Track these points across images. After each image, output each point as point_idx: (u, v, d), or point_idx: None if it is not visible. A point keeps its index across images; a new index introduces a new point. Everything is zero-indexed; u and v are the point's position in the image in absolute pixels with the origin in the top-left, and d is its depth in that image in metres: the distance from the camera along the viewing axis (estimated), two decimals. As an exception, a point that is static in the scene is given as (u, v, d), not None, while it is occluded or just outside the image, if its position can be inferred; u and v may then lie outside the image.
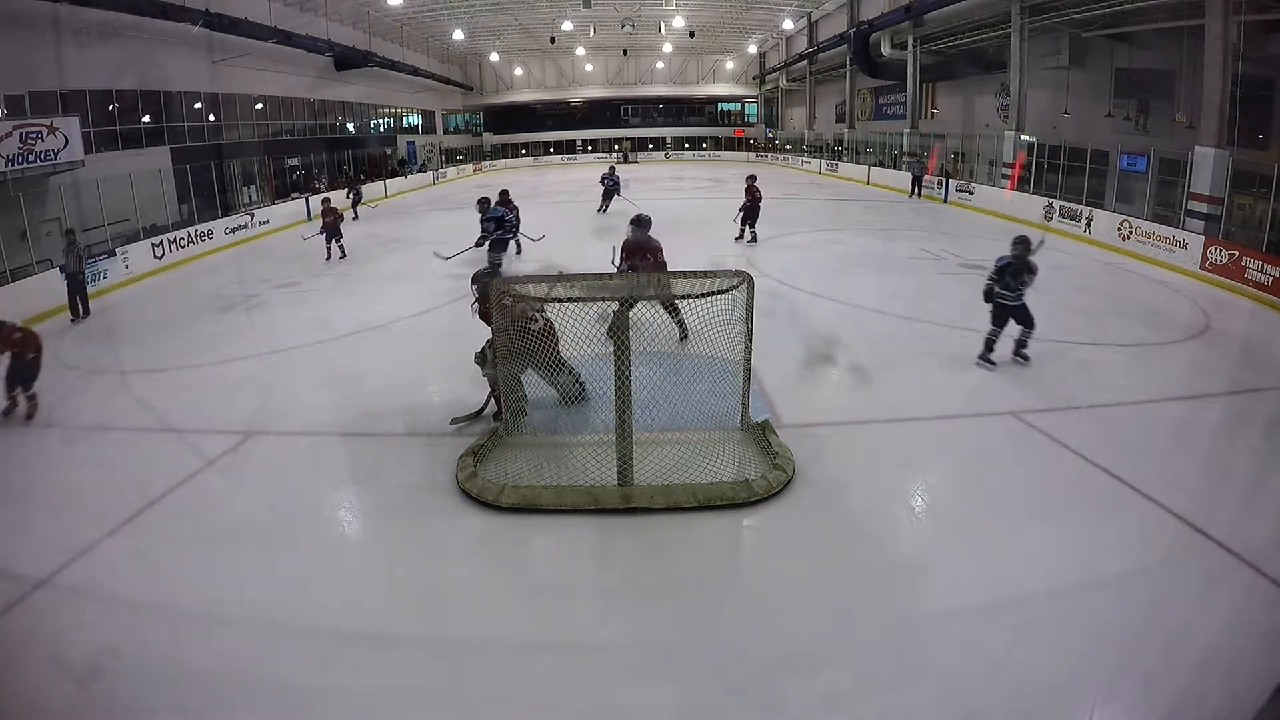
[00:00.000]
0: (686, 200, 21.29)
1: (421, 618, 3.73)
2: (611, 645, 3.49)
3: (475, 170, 37.04)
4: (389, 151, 31.22)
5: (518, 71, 41.25)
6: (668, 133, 42.93)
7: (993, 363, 6.77)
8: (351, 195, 19.78)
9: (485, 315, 5.49)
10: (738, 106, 43.60)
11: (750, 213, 13.58)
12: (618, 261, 7.31)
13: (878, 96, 28.16)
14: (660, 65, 41.42)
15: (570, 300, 4.72)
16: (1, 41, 12.96)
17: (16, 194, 11.67)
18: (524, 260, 12.11)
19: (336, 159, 26.00)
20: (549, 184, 28.50)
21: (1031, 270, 6.59)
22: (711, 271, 4.85)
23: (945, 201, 19.94)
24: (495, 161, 40.72)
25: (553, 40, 34.94)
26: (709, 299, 4.74)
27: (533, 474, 4.85)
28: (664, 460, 4.83)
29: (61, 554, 4.15)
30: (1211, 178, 11.98)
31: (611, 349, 4.51)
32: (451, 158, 36.96)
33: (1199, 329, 8.35)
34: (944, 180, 20.31)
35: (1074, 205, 14.57)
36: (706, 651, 3.42)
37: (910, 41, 23.29)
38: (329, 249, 13.37)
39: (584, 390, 5.43)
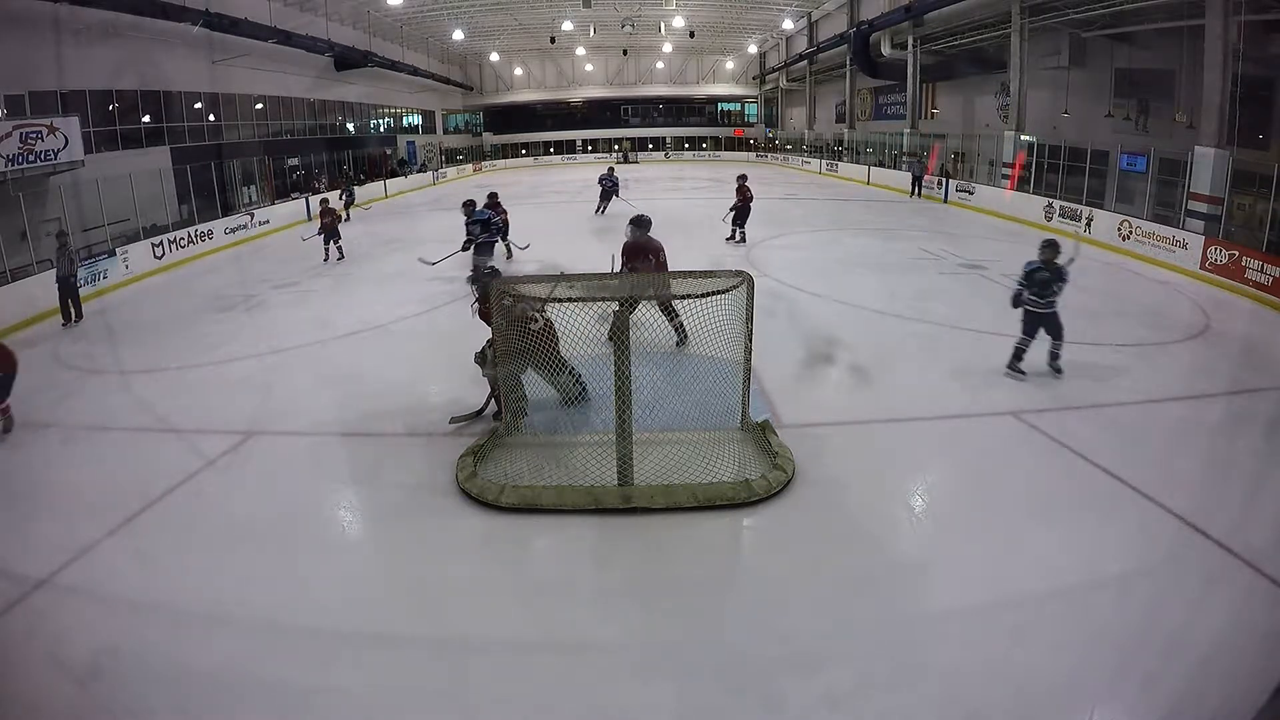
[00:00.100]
0: (687, 200, 21.30)
1: (421, 618, 3.73)
2: (611, 645, 3.49)
3: (475, 170, 37.05)
4: (389, 151, 31.23)
5: (518, 71, 41.26)
6: (668, 133, 42.94)
7: (1023, 372, 6.44)
8: (344, 196, 19.51)
9: (485, 315, 5.49)
10: (738, 106, 43.61)
11: (741, 213, 13.55)
12: (617, 268, 7.26)
13: (878, 96, 28.17)
14: (660, 65, 41.43)
15: (570, 300, 4.73)
16: (1, 41, 12.97)
17: (16, 194, 11.67)
18: (519, 263, 12.04)
19: (336, 159, 26.00)
20: (549, 184, 28.52)
21: (1061, 277, 6.28)
22: (711, 271, 4.85)
23: (945, 201, 19.94)
24: (495, 161, 40.73)
25: (553, 40, 34.95)
26: (709, 299, 4.74)
27: (533, 474, 4.85)
28: (664, 460, 4.83)
29: (61, 554, 4.15)
30: (1211, 178, 11.98)
31: (611, 349, 4.51)
32: (451, 158, 36.97)
33: (1199, 329, 8.35)
34: (944, 180, 20.32)
35: (1074, 205, 14.57)
36: (706, 651, 3.42)
37: (910, 41, 23.29)
38: (327, 250, 13.31)
39: (585, 391, 5.44)
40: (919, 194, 21.15)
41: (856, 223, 16.88)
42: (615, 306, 4.53)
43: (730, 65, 42.16)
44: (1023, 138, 18.02)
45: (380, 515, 4.77)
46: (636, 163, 39.05)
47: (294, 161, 23.61)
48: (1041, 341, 6.51)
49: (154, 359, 7.98)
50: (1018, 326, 6.66)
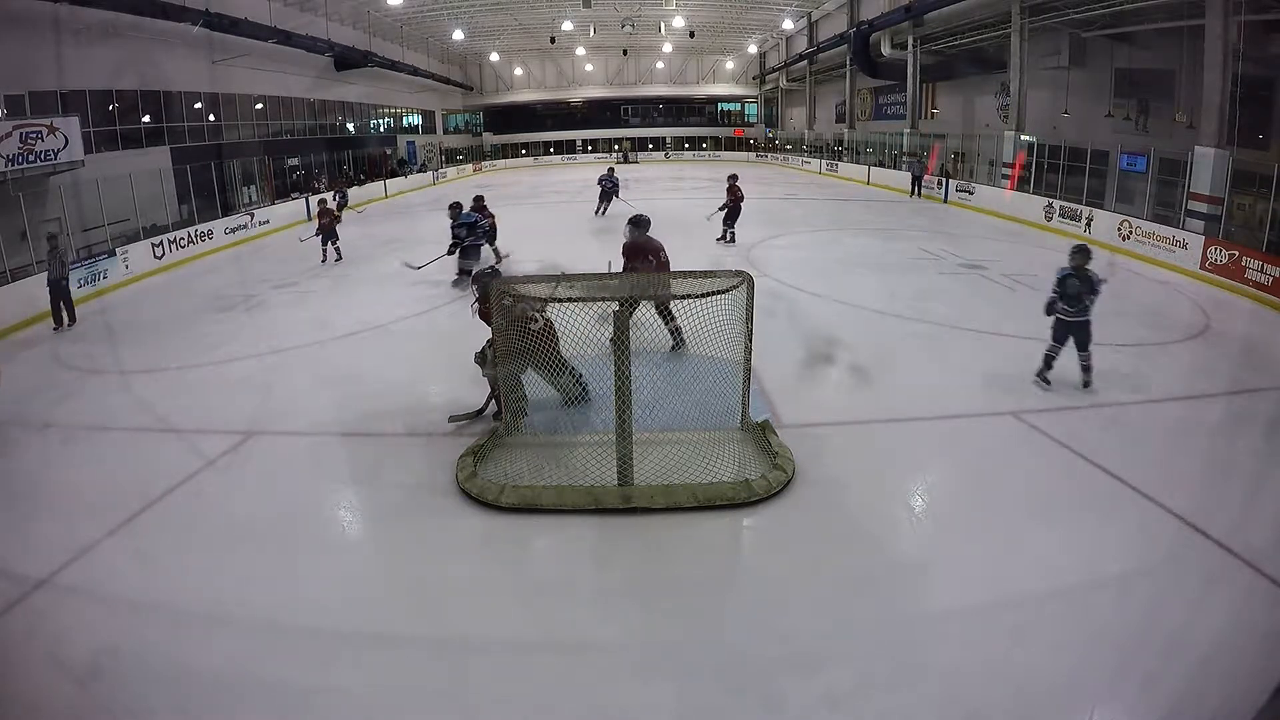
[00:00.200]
0: (686, 200, 21.27)
1: (421, 618, 3.73)
2: (611, 645, 3.49)
3: (475, 170, 37.06)
4: (389, 151, 31.23)
5: (518, 71, 41.26)
6: (668, 133, 42.95)
7: (1048, 382, 6.25)
8: (338, 198, 18.97)
9: (485, 315, 5.49)
10: (738, 106, 43.61)
11: (732, 213, 13.53)
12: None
13: (878, 96, 28.17)
14: (660, 65, 41.44)
15: (570, 300, 4.73)
16: (1, 41, 12.97)
17: (16, 194, 11.67)
18: (517, 264, 11.99)
19: (336, 159, 26.01)
20: (549, 184, 28.53)
21: (1093, 287, 6.03)
22: (711, 271, 4.86)
23: (945, 201, 19.95)
24: (495, 161, 40.74)
25: (553, 40, 34.96)
26: (709, 299, 4.74)
27: (533, 474, 4.85)
28: (664, 460, 4.83)
29: (61, 554, 4.15)
30: (1211, 178, 11.98)
31: (612, 349, 4.50)
32: (451, 158, 36.98)
33: (1199, 329, 8.35)
34: (944, 180, 20.32)
35: (1074, 205, 14.57)
36: (706, 651, 3.42)
37: (910, 41, 23.30)
38: (325, 251, 13.20)
39: (586, 391, 5.44)
40: (919, 194, 21.16)
41: (856, 223, 16.89)
42: (615, 307, 4.53)
43: (730, 65, 42.17)
44: (1023, 138, 18.02)
45: (380, 515, 4.77)
46: (636, 163, 39.05)
47: (294, 161, 23.62)
48: (1072, 349, 6.26)
49: (154, 359, 7.98)
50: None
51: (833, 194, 23.14)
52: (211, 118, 19.73)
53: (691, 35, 33.87)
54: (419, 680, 3.28)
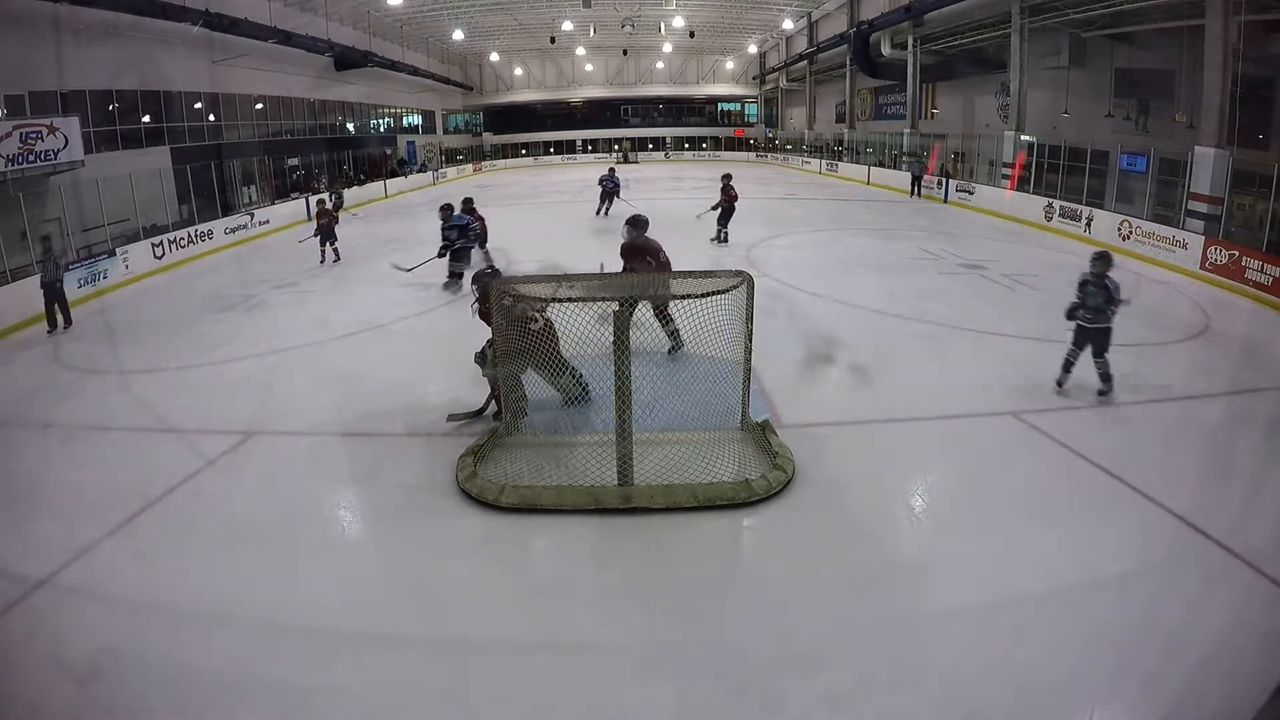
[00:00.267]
0: (687, 201, 21.26)
1: (421, 618, 3.73)
2: (611, 645, 3.49)
3: (475, 170, 37.07)
4: (389, 151, 31.23)
5: (518, 71, 41.26)
6: (668, 133, 42.95)
7: (1060, 385, 6.17)
8: (333, 199, 18.10)
9: (485, 315, 5.49)
10: (738, 106, 43.61)
11: (726, 212, 13.53)
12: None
13: (878, 96, 28.17)
14: (660, 65, 41.44)
15: (570, 300, 4.73)
16: (1, 41, 12.97)
17: (16, 194, 11.67)
18: (511, 266, 11.98)
19: (336, 159, 26.00)
20: (549, 184, 28.54)
21: (1111, 297, 5.86)
22: (711, 271, 4.86)
23: (945, 201, 19.95)
24: (495, 161, 40.74)
25: (553, 40, 34.95)
26: (709, 299, 4.74)
27: (533, 474, 4.85)
28: (664, 460, 4.83)
29: (61, 554, 4.15)
30: (1211, 178, 11.98)
31: (611, 349, 4.50)
32: (451, 158, 36.97)
33: (1199, 329, 8.35)
34: (944, 180, 20.32)
35: (1074, 205, 14.57)
36: (706, 651, 3.42)
37: (910, 41, 23.30)
38: (323, 252, 13.08)
39: (587, 391, 5.43)
40: (919, 194, 21.16)
41: (856, 223, 16.89)
42: (615, 307, 4.52)
43: (730, 65, 42.17)
44: (1023, 138, 18.02)
45: (380, 515, 4.77)
46: (636, 163, 39.05)
47: (294, 161, 23.62)
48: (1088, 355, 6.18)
49: (154, 359, 7.98)
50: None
51: (833, 194, 23.14)
52: (211, 118, 19.73)
53: (691, 35, 33.87)
54: (419, 680, 3.28)
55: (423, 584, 4.02)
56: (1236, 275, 10.18)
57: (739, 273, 4.77)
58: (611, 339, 4.46)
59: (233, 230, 16.30)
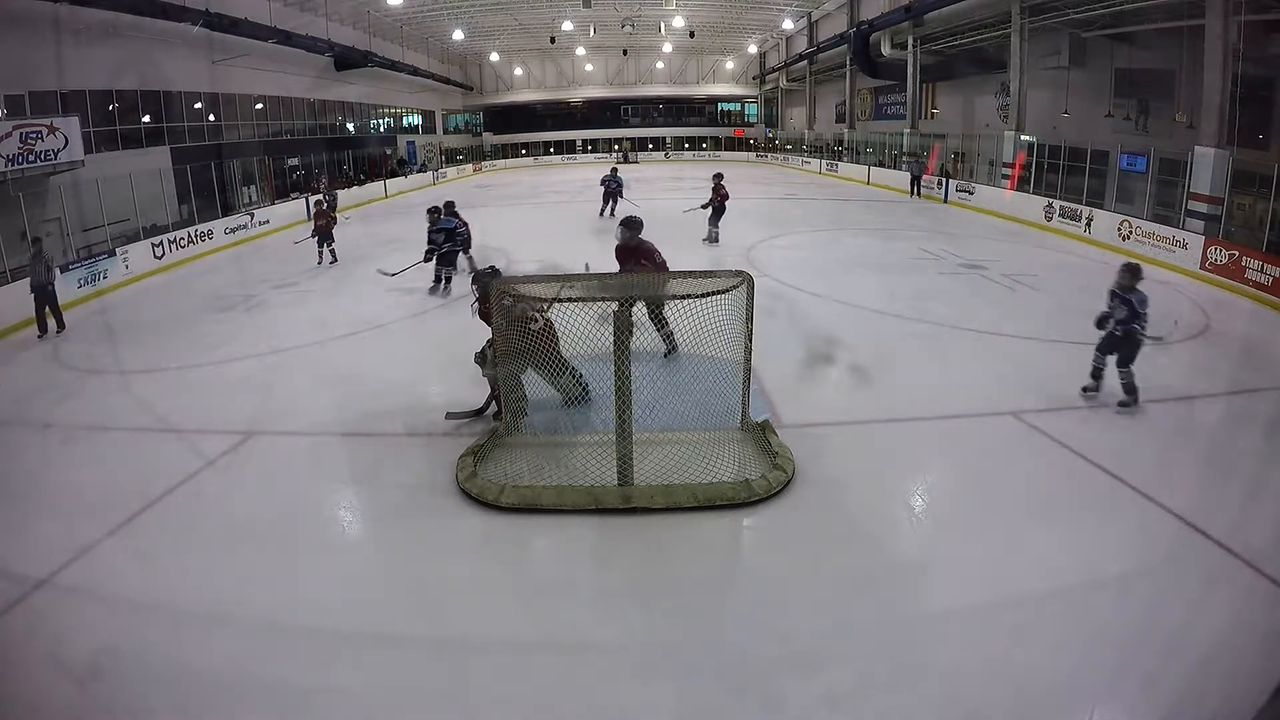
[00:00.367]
0: (686, 201, 21.27)
1: (421, 618, 3.73)
2: (611, 645, 3.49)
3: (475, 170, 37.06)
4: (389, 151, 31.22)
5: (518, 71, 41.26)
6: (668, 133, 42.94)
7: (1084, 391, 6.05)
8: (326, 200, 16.98)
9: (485, 315, 5.49)
10: (738, 106, 43.60)
11: (717, 211, 13.53)
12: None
13: (878, 96, 28.17)
14: (660, 65, 41.43)
15: (571, 300, 4.73)
16: (1, 41, 12.97)
17: (16, 194, 11.67)
18: (520, 264, 11.94)
19: (336, 159, 26.00)
20: (549, 184, 28.53)
21: (1134, 311, 5.61)
22: (711, 271, 4.86)
23: (945, 201, 19.95)
24: (495, 161, 40.73)
25: (553, 40, 34.95)
26: (709, 299, 4.74)
27: (533, 474, 4.85)
28: (664, 460, 4.83)
29: (61, 554, 4.15)
30: (1211, 178, 11.98)
31: (611, 349, 4.50)
32: (451, 158, 36.97)
33: (1199, 329, 8.35)
34: (944, 180, 20.32)
35: (1074, 205, 14.57)
36: (706, 651, 3.42)
37: (910, 41, 23.29)
38: (321, 253, 12.97)
39: (587, 391, 5.43)
40: (919, 194, 21.16)
41: (856, 223, 16.88)
42: (615, 307, 4.52)
43: (730, 65, 42.16)
44: (1023, 138, 18.02)
45: (380, 515, 4.77)
46: (636, 163, 39.03)
47: (294, 161, 23.61)
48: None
49: (154, 359, 7.98)
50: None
51: (833, 194, 23.13)
52: (211, 118, 19.73)
53: (691, 35, 33.87)
54: (419, 680, 3.28)
55: (423, 584, 4.02)
56: (1236, 275, 10.18)
57: (739, 273, 4.77)
58: (611, 339, 4.46)
59: (233, 230, 16.29)
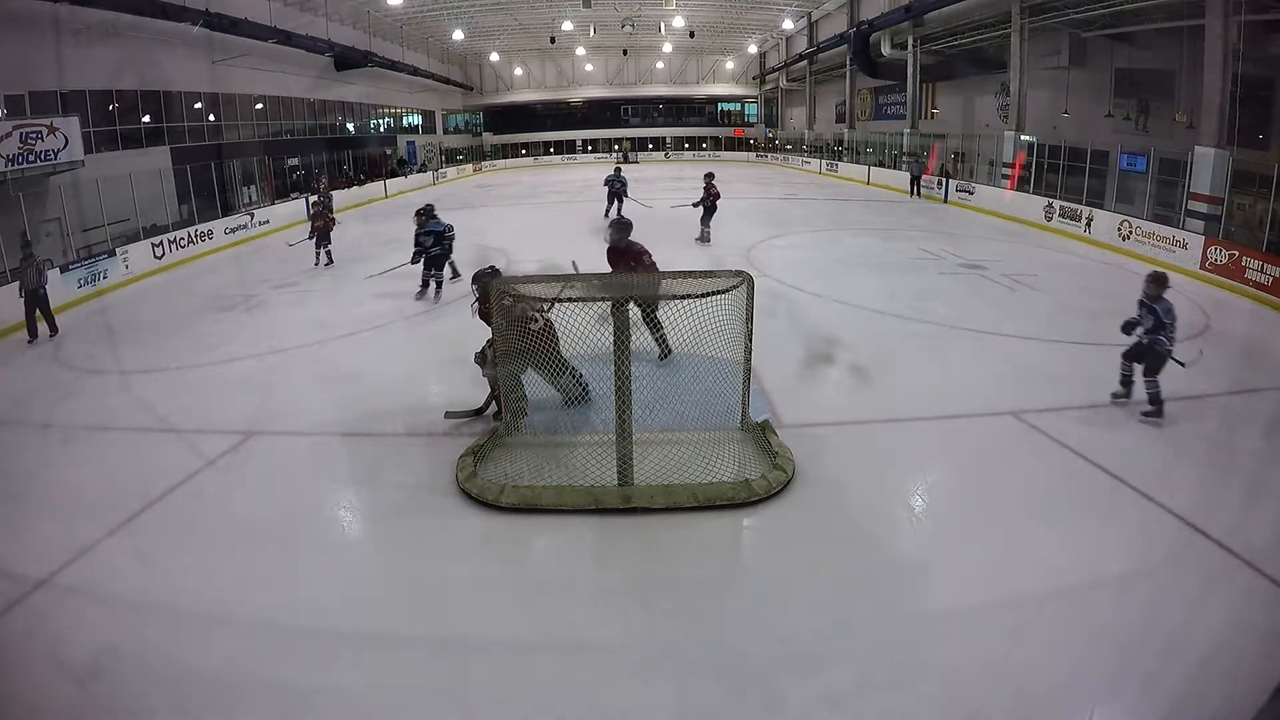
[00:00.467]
0: (687, 200, 21.30)
1: (421, 618, 3.73)
2: (611, 645, 3.49)
3: (475, 170, 37.05)
4: (389, 151, 31.22)
5: (518, 71, 41.25)
6: (668, 133, 42.93)
7: (1115, 396, 5.99)
8: (321, 203, 16.28)
9: (485, 315, 5.49)
10: (738, 106, 43.59)
11: (709, 211, 13.53)
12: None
13: (878, 96, 28.17)
14: (660, 65, 41.42)
15: (571, 301, 4.72)
16: (1, 41, 12.96)
17: (16, 194, 11.67)
18: (520, 264, 11.91)
19: (336, 159, 25.99)
20: (549, 184, 28.52)
21: (1159, 321, 5.55)
22: (711, 271, 4.85)
23: (945, 201, 19.95)
24: (495, 161, 40.72)
25: (553, 40, 34.94)
26: (709, 299, 4.74)
27: (533, 474, 4.85)
28: (664, 460, 4.83)
29: (61, 554, 4.15)
30: (1211, 178, 11.98)
31: (611, 349, 4.51)
32: (451, 158, 36.96)
33: (1199, 329, 8.35)
34: (944, 180, 20.32)
35: (1074, 205, 14.57)
36: (706, 651, 3.42)
37: (910, 41, 23.29)
38: (318, 254, 12.85)
39: (588, 391, 5.43)
40: (918, 194, 21.16)
41: (856, 223, 16.88)
42: (612, 306, 4.52)
43: (730, 65, 42.15)
44: (1023, 138, 18.02)
45: (380, 515, 4.77)
46: (636, 163, 39.00)
47: (294, 161, 23.61)
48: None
49: (154, 359, 7.98)
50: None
51: (833, 194, 23.13)
52: (211, 118, 19.72)
53: (691, 35, 33.86)
54: (419, 680, 3.28)
55: (423, 584, 4.02)
56: (1236, 275, 10.18)
57: (739, 273, 4.77)
58: (611, 339, 4.46)
59: (233, 230, 16.29)
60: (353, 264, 12.96)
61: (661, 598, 3.82)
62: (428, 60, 34.64)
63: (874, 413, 6.02)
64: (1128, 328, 5.86)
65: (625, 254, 6.86)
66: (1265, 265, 9.69)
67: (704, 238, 13.49)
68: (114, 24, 15.43)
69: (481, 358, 5.66)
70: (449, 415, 5.79)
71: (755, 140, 40.83)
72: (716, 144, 42.18)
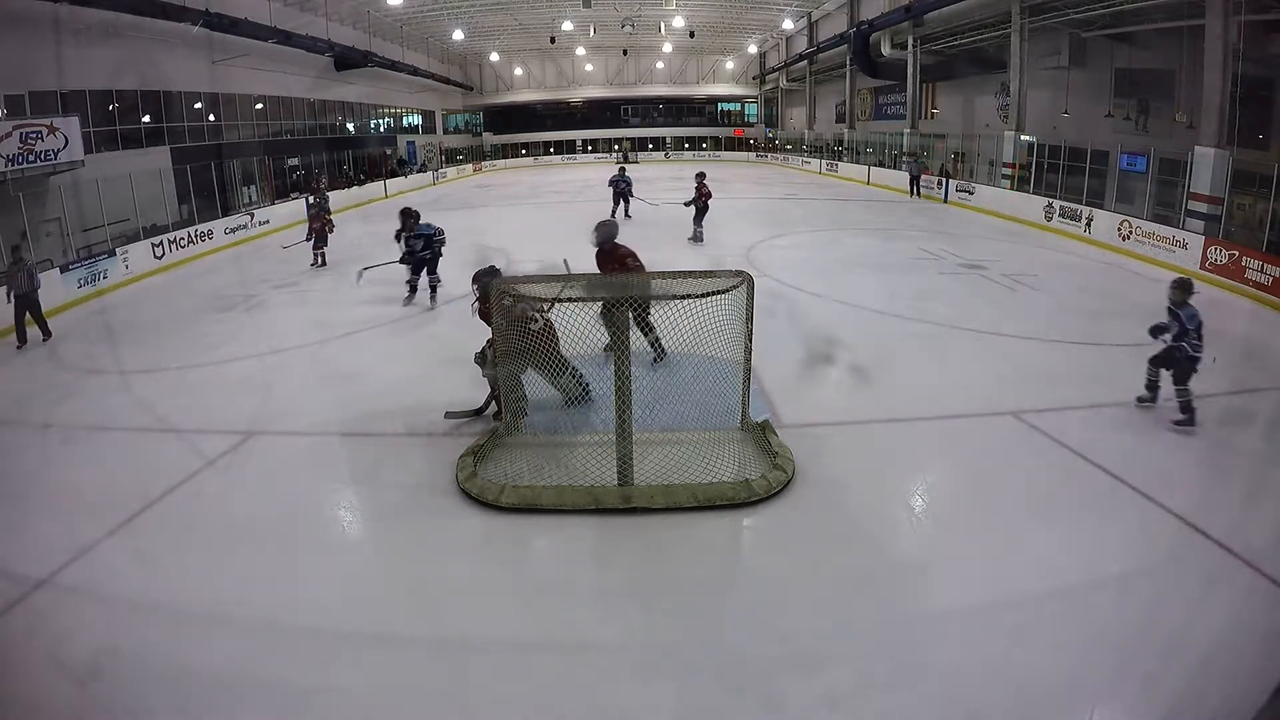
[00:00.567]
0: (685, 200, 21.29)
1: (421, 618, 3.73)
2: (611, 645, 3.49)
3: (475, 170, 37.05)
4: (389, 151, 31.22)
5: (518, 71, 41.26)
6: (668, 133, 42.95)
7: (1140, 400, 5.93)
8: (317, 205, 15.66)
9: (485, 315, 5.49)
10: (738, 106, 43.61)
11: (701, 211, 13.54)
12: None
13: (878, 96, 28.17)
14: (660, 65, 41.43)
15: (571, 300, 4.72)
16: (1, 41, 12.97)
17: (16, 194, 11.67)
18: (520, 264, 11.89)
19: (336, 159, 25.99)
20: (549, 184, 28.52)
21: (1183, 328, 5.47)
22: (711, 271, 4.85)
23: (945, 201, 19.95)
24: (495, 161, 40.73)
25: (553, 40, 34.95)
26: (709, 299, 4.74)
27: (533, 474, 4.85)
28: (664, 460, 4.83)
29: (61, 554, 4.15)
30: (1211, 178, 11.98)
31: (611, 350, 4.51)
32: (451, 158, 36.96)
33: (1199, 329, 8.34)
34: (944, 180, 20.33)
35: (1074, 205, 14.57)
36: (706, 651, 3.42)
37: (910, 41, 23.30)
38: (316, 255, 12.75)
39: (588, 391, 5.43)
40: (918, 194, 21.17)
41: (856, 223, 16.88)
42: (610, 306, 4.52)
43: (730, 65, 42.16)
44: (1023, 138, 18.02)
45: (380, 515, 4.77)
46: (636, 162, 38.95)
47: (294, 161, 23.61)
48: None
49: (154, 359, 7.98)
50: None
51: (833, 194, 23.13)
52: (211, 118, 19.72)
53: (691, 35, 33.87)
54: (419, 680, 3.28)
55: (423, 584, 4.02)
56: (1236, 275, 10.18)
57: (739, 273, 4.77)
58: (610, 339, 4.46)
59: (233, 230, 16.29)
60: (352, 264, 12.88)
61: (661, 598, 3.82)
62: (428, 60, 34.64)
63: (874, 413, 6.02)
64: (1155, 332, 5.80)
65: (612, 256, 6.82)
66: (1265, 265, 9.69)
67: (697, 237, 13.50)
68: (114, 24, 15.43)
69: (481, 358, 5.66)
70: (449, 415, 5.79)
71: (755, 140, 40.84)
72: (716, 144, 42.20)
